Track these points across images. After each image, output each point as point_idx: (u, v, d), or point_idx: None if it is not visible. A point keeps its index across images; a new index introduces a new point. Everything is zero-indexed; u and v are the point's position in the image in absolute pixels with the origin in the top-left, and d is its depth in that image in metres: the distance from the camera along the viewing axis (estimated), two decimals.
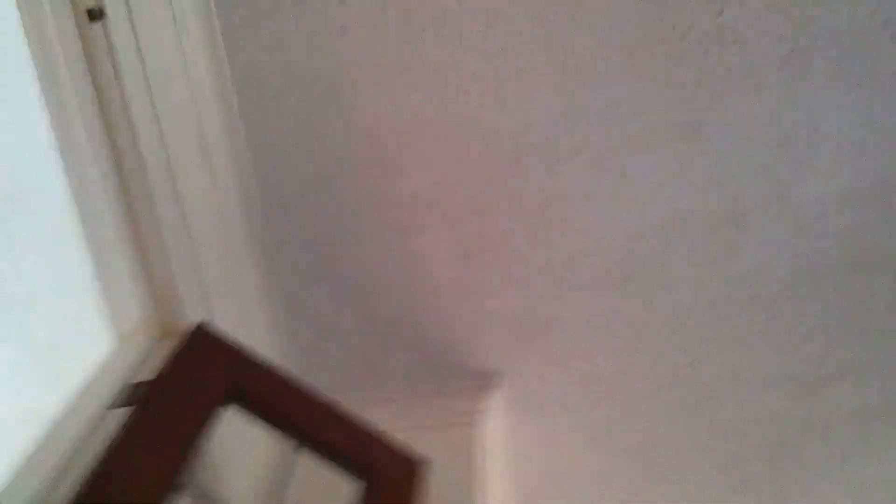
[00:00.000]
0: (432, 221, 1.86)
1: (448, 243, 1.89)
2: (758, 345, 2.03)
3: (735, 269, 1.91)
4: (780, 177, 1.79)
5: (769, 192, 1.80)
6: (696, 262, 1.91)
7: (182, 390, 1.29)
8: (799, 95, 1.70)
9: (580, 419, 2.17)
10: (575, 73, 1.69)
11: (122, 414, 1.28)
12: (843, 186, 1.80)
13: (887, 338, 2.02)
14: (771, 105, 1.71)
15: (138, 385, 1.37)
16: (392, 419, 1.68)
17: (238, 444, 1.76)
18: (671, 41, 1.64)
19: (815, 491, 2.33)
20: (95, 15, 1.36)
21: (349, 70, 1.69)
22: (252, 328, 1.85)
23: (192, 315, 1.57)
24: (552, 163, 1.78)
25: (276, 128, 1.76)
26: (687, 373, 2.08)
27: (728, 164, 1.77)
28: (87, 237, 1.44)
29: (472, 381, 2.07)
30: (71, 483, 1.14)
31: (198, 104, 1.64)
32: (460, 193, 1.82)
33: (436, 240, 1.88)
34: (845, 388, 2.12)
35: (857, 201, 1.82)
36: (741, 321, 1.99)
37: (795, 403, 2.14)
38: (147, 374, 1.40)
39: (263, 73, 1.70)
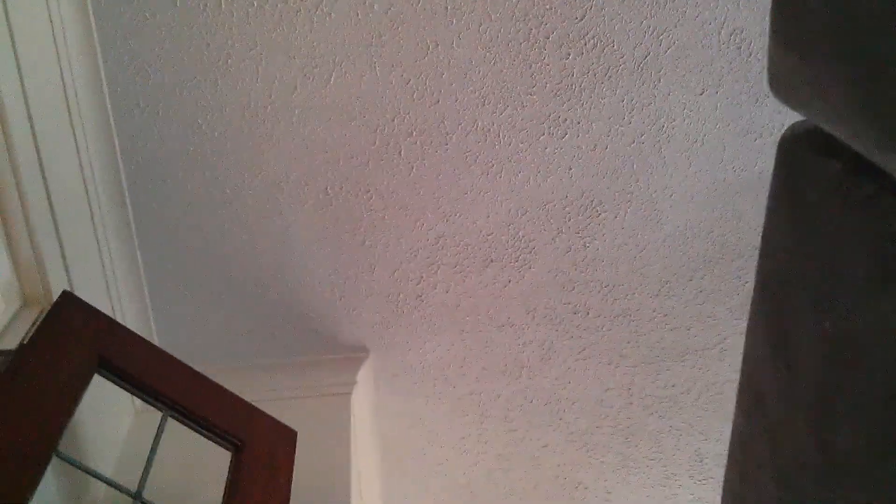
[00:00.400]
0: (305, 201, 1.90)
1: (320, 223, 1.94)
2: (605, 324, 2.19)
3: (588, 254, 2.06)
4: (631, 171, 1.94)
5: (621, 184, 1.96)
6: (553, 248, 2.04)
7: (49, 359, 1.29)
8: (649, 98, 1.85)
9: (442, 391, 2.27)
10: (447, 65, 1.77)
11: None
12: (688, 182, 1.98)
13: (722, 324, 2.22)
14: (624, 105, 1.85)
15: (1, 353, 1.35)
16: (266, 389, 1.73)
17: (104, 411, 1.75)
18: (536, 41, 1.76)
19: (656, 459, 2.53)
20: None
21: (221, 42, 1.70)
22: (115, 299, 1.84)
23: (55, 284, 1.55)
24: (423, 150, 1.86)
25: (143, 94, 1.75)
26: (542, 349, 2.22)
27: (585, 157, 1.91)
28: None
29: (343, 353, 2.14)
30: None
31: (62, 68, 1.60)
32: (332, 174, 1.87)
33: (308, 219, 1.93)
34: (685, 367, 2.32)
35: (699, 196, 2.00)
36: (592, 303, 2.14)
37: (640, 380, 2.33)
38: (11, 342, 1.38)
39: (131, 34, 1.68)
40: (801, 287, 0.67)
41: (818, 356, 0.63)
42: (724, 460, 2.46)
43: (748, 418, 0.79)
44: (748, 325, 0.80)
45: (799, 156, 0.68)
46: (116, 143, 1.79)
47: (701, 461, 2.50)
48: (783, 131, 0.73)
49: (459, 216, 1.97)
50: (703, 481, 2.54)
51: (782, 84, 0.65)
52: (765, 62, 1.85)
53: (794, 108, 0.66)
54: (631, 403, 2.37)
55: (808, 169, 0.66)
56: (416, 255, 2.02)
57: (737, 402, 0.83)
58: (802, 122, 0.70)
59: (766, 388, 0.74)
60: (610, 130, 1.88)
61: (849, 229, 0.59)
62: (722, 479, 2.48)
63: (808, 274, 0.66)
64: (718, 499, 2.63)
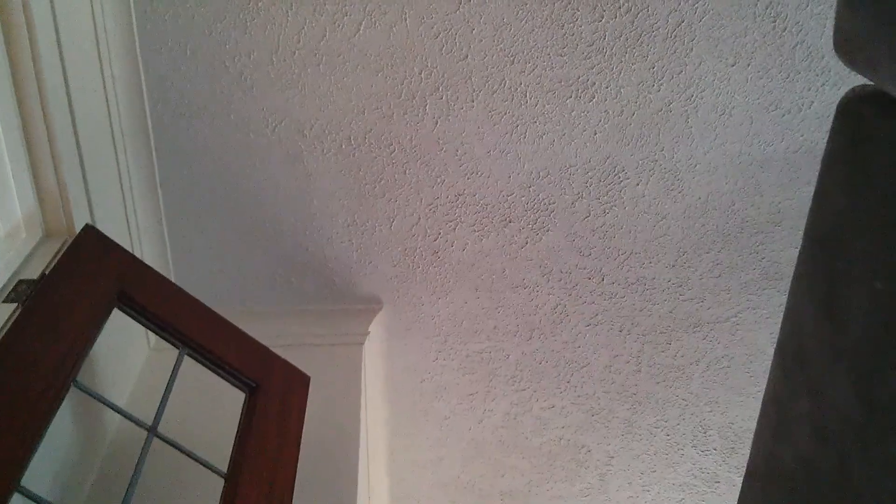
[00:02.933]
0: (327, 150, 1.90)
1: (341, 172, 1.93)
2: (619, 291, 2.20)
3: (607, 220, 2.05)
4: (657, 139, 1.93)
5: (645, 152, 1.95)
6: (572, 212, 2.04)
7: (70, 290, 1.30)
8: (680, 66, 1.83)
9: (453, 348, 2.29)
10: (478, 20, 1.75)
11: (7, 309, 1.28)
12: (712, 154, 1.97)
13: (736, 298, 2.22)
14: (654, 72, 1.84)
15: (21, 283, 1.36)
16: (279, 335, 1.74)
17: (120, 347, 1.78)
18: (570, 2, 1.73)
19: (660, 428, 2.56)
20: None
21: None
22: (135, 236, 1.85)
23: (78, 218, 1.56)
24: (449, 105, 1.85)
25: (172, 33, 1.74)
26: (554, 312, 2.23)
27: (611, 122, 1.90)
28: None
29: (357, 304, 2.15)
30: None
31: (93, 4, 1.60)
32: (357, 124, 1.87)
33: (330, 168, 1.93)
34: (696, 339, 2.32)
35: (723, 168, 1.99)
36: (608, 269, 2.15)
37: (650, 349, 2.34)
38: (33, 271, 1.39)
39: None
40: (854, 246, 0.68)
41: (867, 314, 0.64)
42: (728, 432, 2.47)
43: (786, 376, 0.79)
44: (792, 283, 0.80)
45: (860, 117, 0.68)
46: (143, 81, 1.78)
47: (705, 432, 2.52)
48: (843, 94, 0.73)
49: (481, 175, 1.97)
50: (707, 452, 2.56)
51: (850, 46, 0.65)
52: (799, 37, 1.83)
53: (859, 70, 0.66)
54: (639, 371, 2.39)
55: (869, 130, 0.66)
56: (435, 211, 2.02)
57: (774, 359, 0.83)
58: (864, 85, 0.71)
59: (809, 345, 0.75)
60: (638, 97, 1.87)
61: None
62: (724, 450, 2.49)
63: (862, 233, 0.66)
64: (720, 470, 2.65)
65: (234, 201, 1.97)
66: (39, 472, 1.35)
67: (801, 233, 2.11)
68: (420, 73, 1.81)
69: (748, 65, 1.86)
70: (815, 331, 0.74)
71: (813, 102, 1.92)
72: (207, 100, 1.82)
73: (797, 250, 2.11)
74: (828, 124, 1.97)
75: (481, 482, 2.67)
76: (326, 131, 1.87)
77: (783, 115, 1.93)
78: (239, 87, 1.81)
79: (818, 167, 2.04)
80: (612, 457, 2.61)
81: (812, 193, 2.09)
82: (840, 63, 1.87)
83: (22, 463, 1.05)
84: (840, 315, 0.69)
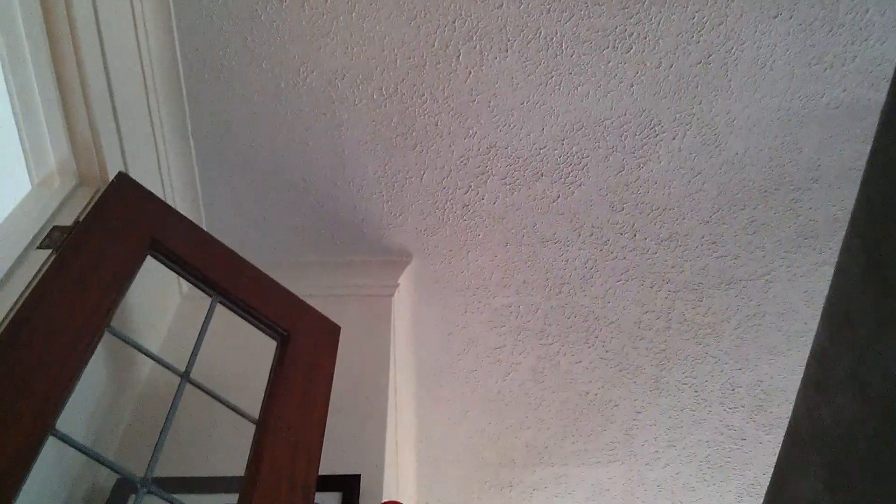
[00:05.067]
0: (359, 100, 1.88)
1: (373, 123, 1.92)
2: (651, 247, 2.17)
3: (642, 174, 2.02)
4: (695, 92, 1.89)
5: (683, 105, 1.90)
6: (606, 166, 2.01)
7: (104, 237, 1.31)
8: (720, 17, 1.78)
9: (482, 301, 2.29)
10: None
11: (42, 255, 1.30)
12: (751, 109, 1.92)
13: (770, 256, 2.19)
14: (694, 23, 1.78)
15: (55, 230, 1.37)
16: (309, 286, 1.74)
17: (153, 294, 1.80)
18: None
19: (689, 384, 2.55)
20: None
21: None
22: (168, 185, 1.86)
23: (111, 166, 1.56)
24: (483, 55, 1.82)
25: None
26: (585, 267, 2.22)
27: (648, 75, 1.86)
28: (8, 81, 1.41)
29: (386, 256, 2.15)
30: None
31: None
32: (389, 74, 1.84)
33: (361, 118, 1.91)
34: (728, 296, 2.30)
35: (762, 123, 1.94)
36: (640, 224, 2.12)
37: (681, 305, 2.32)
38: (67, 218, 1.40)
39: None
40: None
41: None
42: (756, 390, 2.45)
43: (832, 335, 0.78)
44: (843, 245, 0.78)
45: None
46: (175, 29, 1.77)
47: (733, 390, 2.51)
48: (890, 49, 0.69)
49: (514, 127, 1.94)
50: (734, 409, 2.55)
51: None
52: None
53: None
54: (669, 328, 2.37)
55: None
56: (466, 164, 2.00)
57: (822, 319, 0.82)
58: None
59: (857, 305, 0.73)
60: (677, 48, 1.82)
61: None
62: (752, 408, 2.47)
63: None
64: (747, 427, 2.64)
65: (264, 151, 1.96)
66: (74, 416, 1.38)
67: (838, 190, 2.08)
68: (454, 22, 1.77)
69: (790, 17, 1.80)
70: (863, 290, 0.72)
71: (856, 57, 1.86)
72: (239, 49, 1.81)
73: (834, 208, 2.08)
74: (871, 79, 1.92)
75: (507, 435, 2.69)
76: (358, 81, 1.86)
77: (825, 70, 1.88)
78: (270, 36, 1.79)
79: (859, 124, 1.99)
80: (639, 412, 2.61)
81: (853, 150, 2.03)
82: (885, 17, 1.80)
83: (57, 407, 1.07)
84: (890, 276, 0.67)
